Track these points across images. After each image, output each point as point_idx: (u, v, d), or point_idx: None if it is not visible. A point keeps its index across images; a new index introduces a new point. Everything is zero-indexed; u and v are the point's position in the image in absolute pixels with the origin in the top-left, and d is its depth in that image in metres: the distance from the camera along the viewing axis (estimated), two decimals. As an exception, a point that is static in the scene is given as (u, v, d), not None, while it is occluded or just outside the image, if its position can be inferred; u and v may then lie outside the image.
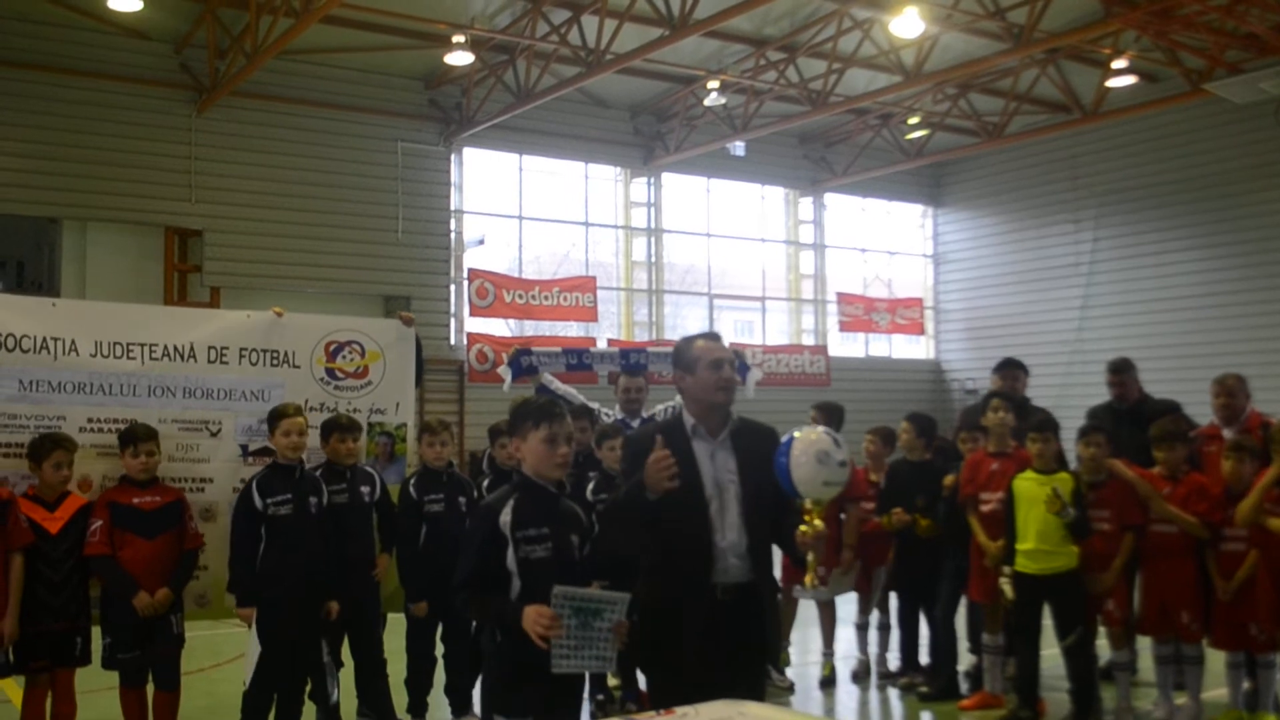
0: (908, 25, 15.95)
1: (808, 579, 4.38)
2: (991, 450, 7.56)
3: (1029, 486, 7.02)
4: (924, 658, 8.31)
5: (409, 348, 7.60)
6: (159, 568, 6.13)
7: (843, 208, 25.17)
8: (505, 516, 4.24)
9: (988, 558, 7.32)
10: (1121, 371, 8.47)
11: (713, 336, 4.70)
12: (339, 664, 6.91)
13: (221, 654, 8.87)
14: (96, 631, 6.23)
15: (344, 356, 7.32)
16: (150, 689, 6.31)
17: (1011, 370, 8.71)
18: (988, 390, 8.69)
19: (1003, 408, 7.58)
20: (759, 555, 4.48)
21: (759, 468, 4.41)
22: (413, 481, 7.06)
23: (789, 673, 8.39)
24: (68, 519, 6.06)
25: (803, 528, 4.26)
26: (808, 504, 4.25)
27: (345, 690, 6.93)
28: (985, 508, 7.42)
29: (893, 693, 8.29)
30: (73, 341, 6.48)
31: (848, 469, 4.27)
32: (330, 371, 7.27)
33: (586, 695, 7.54)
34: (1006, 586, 7.06)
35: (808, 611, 8.79)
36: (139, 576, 6.05)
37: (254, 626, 6.16)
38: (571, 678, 4.28)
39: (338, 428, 6.82)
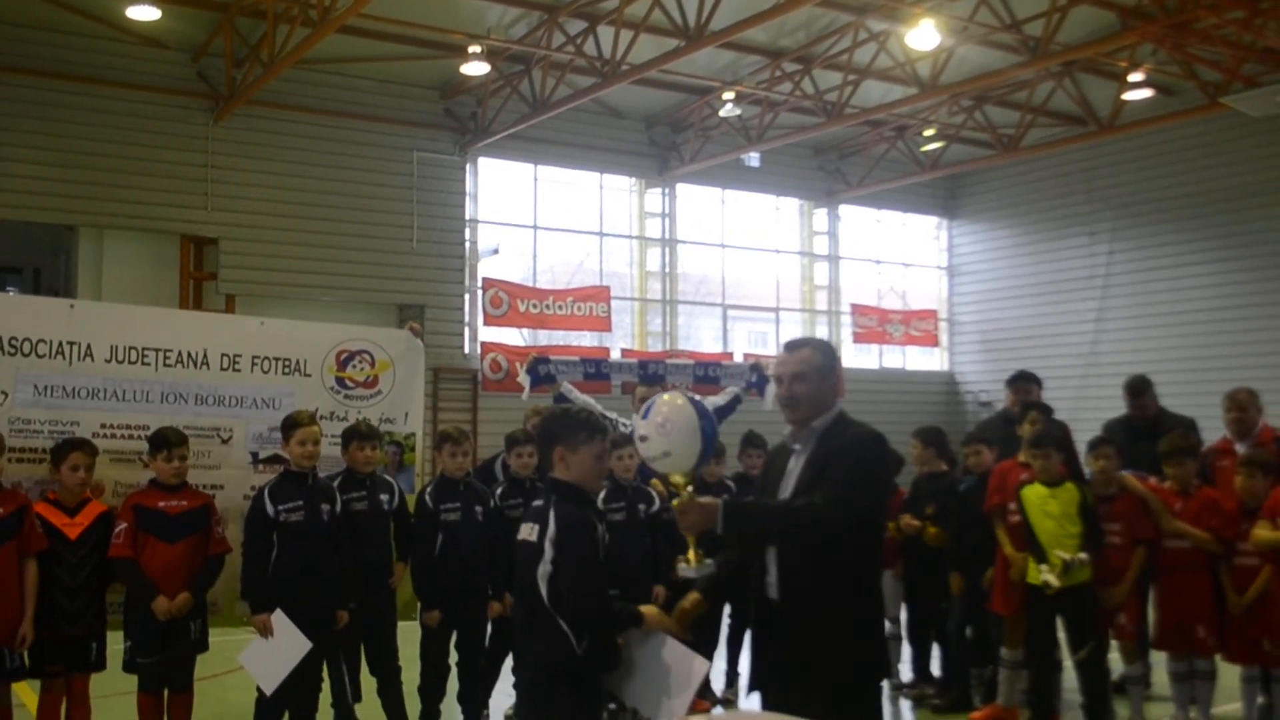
0: (923, 37, 15.93)
1: (689, 555, 4.21)
2: (1022, 460, 7.42)
3: (1037, 498, 6.99)
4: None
5: (418, 358, 7.66)
6: (180, 572, 6.14)
7: (857, 219, 25.12)
8: (600, 527, 4.34)
9: (1013, 570, 7.21)
10: (1139, 394, 8.43)
11: None
12: (356, 671, 6.92)
13: (233, 661, 8.85)
14: (113, 636, 6.25)
15: (354, 366, 7.37)
16: (165, 692, 6.31)
17: (1024, 384, 8.69)
18: (1003, 406, 8.65)
19: (1040, 420, 7.51)
20: (793, 568, 4.16)
21: (812, 478, 4.16)
22: (429, 490, 7.06)
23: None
24: (88, 524, 6.08)
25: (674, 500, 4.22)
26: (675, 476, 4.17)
27: (366, 697, 6.94)
28: (1013, 518, 7.27)
29: (904, 704, 8.27)
30: (88, 346, 6.52)
31: (648, 445, 4.14)
32: (340, 381, 7.32)
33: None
34: (1050, 578, 6.83)
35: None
36: (159, 580, 6.06)
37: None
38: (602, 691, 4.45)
39: (357, 435, 6.85)
